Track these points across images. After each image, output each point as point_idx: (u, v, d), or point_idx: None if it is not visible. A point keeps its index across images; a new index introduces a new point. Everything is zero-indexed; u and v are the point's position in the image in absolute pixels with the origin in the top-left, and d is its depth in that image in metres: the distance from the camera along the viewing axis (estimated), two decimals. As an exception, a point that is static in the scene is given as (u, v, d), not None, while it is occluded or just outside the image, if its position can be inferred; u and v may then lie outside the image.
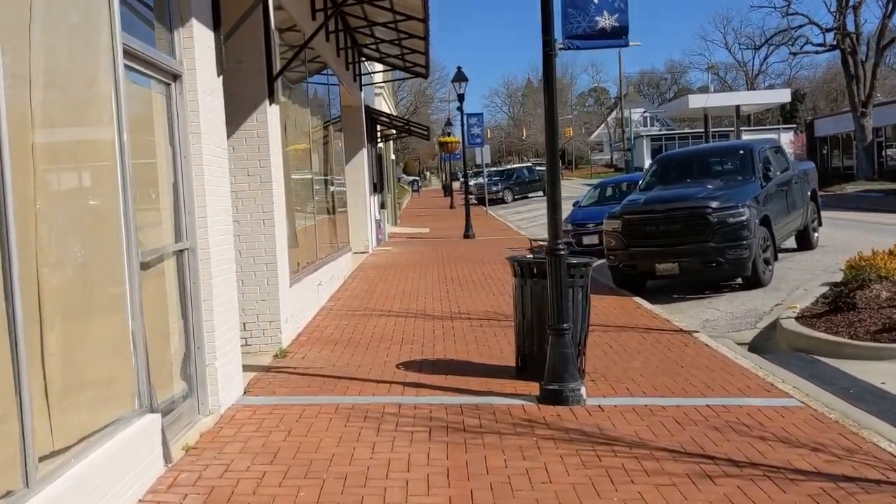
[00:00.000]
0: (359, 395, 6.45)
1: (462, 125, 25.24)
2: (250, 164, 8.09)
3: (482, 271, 14.87)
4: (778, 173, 13.13)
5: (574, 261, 6.59)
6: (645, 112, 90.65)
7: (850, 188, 36.76)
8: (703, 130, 77.82)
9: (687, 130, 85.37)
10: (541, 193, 48.92)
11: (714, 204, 11.42)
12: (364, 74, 18.77)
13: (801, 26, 41.82)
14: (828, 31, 39.94)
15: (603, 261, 17.08)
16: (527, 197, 48.20)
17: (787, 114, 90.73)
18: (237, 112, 8.05)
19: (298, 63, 11.03)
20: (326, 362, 7.74)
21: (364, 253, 18.78)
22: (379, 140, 24.99)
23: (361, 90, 18.82)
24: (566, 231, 18.21)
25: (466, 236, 23.09)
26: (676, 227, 11.48)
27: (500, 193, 45.91)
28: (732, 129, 74.47)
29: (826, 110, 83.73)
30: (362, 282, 13.89)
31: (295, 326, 9.04)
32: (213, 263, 5.83)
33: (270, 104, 8.23)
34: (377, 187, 22.68)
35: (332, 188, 13.63)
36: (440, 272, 14.99)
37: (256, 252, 8.11)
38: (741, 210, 11.37)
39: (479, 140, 30.51)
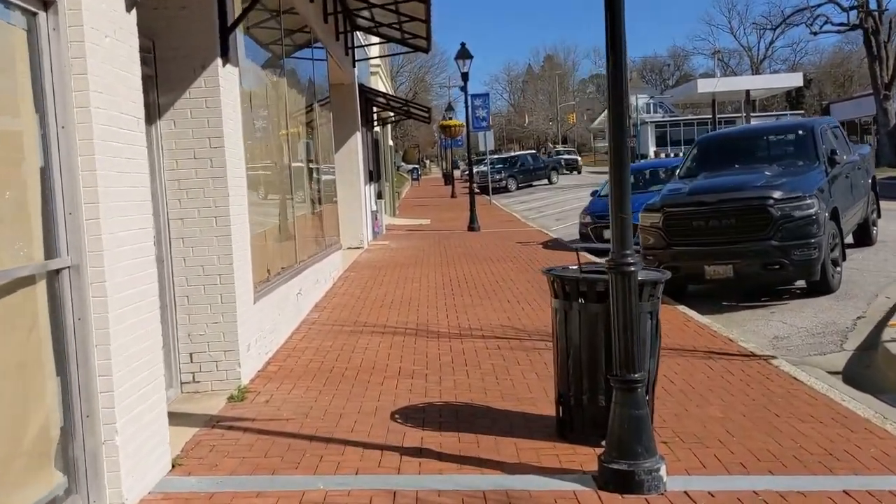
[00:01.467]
0: (336, 474, 4.48)
1: (466, 107, 23.09)
2: (197, 143, 6.12)
3: (492, 271, 12.91)
4: (844, 157, 11.15)
5: (642, 277, 4.63)
6: (652, 98, 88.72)
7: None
8: (707, 117, 75.94)
9: (691, 117, 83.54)
10: (545, 182, 47.03)
11: (777, 194, 9.44)
12: (357, 47, 16.74)
13: (820, 5, 39.69)
14: (850, 9, 37.84)
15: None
16: (531, 185, 46.24)
17: (793, 100, 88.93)
18: (179, 75, 6.10)
19: (274, 26, 9.06)
20: (297, 409, 5.78)
21: (358, 249, 16.83)
22: (375, 124, 22.98)
23: (355, 66, 16.81)
24: (584, 223, 16.30)
25: (471, 229, 21.12)
26: (730, 222, 9.51)
27: (504, 182, 43.89)
28: (738, 115, 72.52)
29: (833, 96, 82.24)
30: (354, 286, 11.93)
31: (262, 352, 7.08)
32: (112, 287, 3.87)
33: (224, 64, 6.25)
34: (373, 175, 20.70)
35: (318, 177, 11.65)
36: (444, 273, 13.03)
37: (206, 260, 6.15)
38: (809, 202, 9.40)
39: (484, 123, 28.20)
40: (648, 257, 10.27)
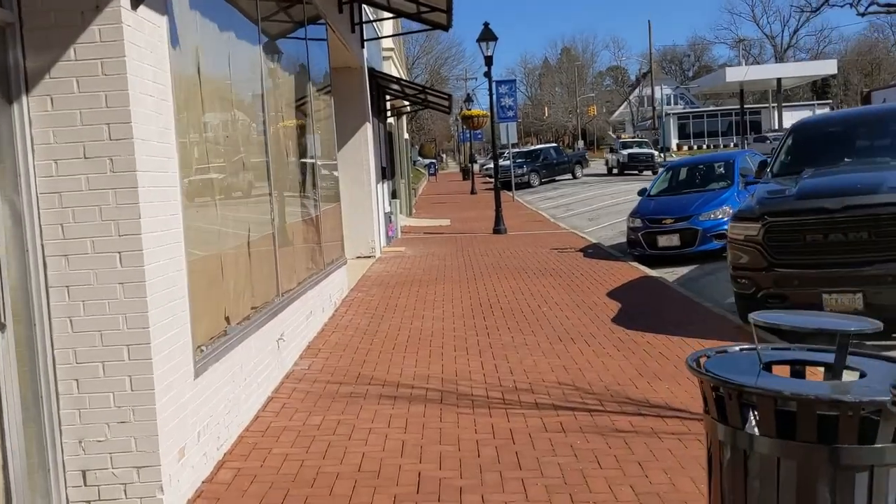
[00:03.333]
0: None
1: (490, 95, 20.57)
2: (89, 133, 3.77)
3: (531, 290, 10.51)
4: None
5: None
6: (677, 88, 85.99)
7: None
8: (731, 108, 73.16)
9: (713, 108, 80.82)
10: (569, 176, 44.41)
11: (923, 198, 7.02)
12: (366, 22, 14.36)
13: (866, -16, 36.93)
14: (901, -13, 35.09)
15: (685, 271, 12.80)
16: (554, 180, 43.64)
17: (818, 89, 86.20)
18: (58, 22, 3.75)
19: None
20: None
21: (369, 258, 14.49)
22: (388, 114, 20.62)
23: (364, 47, 14.44)
24: (634, 228, 13.85)
25: (497, 231, 18.70)
26: (860, 236, 7.09)
27: (526, 177, 41.28)
28: (764, 105, 69.66)
29: (860, 85, 79.73)
30: (360, 314, 9.57)
31: (212, 449, 4.73)
32: None
33: (135, 6, 3.90)
34: (387, 173, 18.35)
35: (314, 176, 9.30)
36: (472, 292, 10.65)
37: (106, 322, 3.80)
38: (967, 208, 6.97)
39: (511, 113, 25.39)
40: (742, 280, 7.88)
